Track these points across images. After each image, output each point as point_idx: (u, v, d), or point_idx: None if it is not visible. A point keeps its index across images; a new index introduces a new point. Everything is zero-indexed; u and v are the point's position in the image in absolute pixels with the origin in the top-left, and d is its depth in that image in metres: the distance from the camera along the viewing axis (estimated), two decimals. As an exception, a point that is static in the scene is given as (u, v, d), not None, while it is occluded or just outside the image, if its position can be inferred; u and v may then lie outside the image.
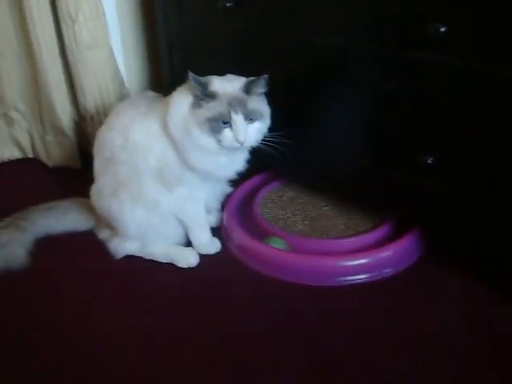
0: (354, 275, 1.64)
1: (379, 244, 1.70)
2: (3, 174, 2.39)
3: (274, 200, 1.98)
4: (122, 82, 2.35)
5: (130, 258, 1.77)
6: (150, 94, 1.85)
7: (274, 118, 1.64)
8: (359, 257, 1.65)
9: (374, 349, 1.41)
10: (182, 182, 1.68)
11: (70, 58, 2.22)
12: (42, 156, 2.44)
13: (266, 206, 1.95)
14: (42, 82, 2.24)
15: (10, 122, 2.42)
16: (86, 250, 1.83)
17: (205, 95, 1.56)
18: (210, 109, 1.55)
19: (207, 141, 1.57)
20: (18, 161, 2.49)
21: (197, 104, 1.57)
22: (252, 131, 1.58)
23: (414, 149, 1.52)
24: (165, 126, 1.62)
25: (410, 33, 1.42)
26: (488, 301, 1.53)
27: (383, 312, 1.54)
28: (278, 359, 1.39)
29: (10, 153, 2.47)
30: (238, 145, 1.56)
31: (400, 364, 1.36)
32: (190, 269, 1.73)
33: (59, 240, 1.86)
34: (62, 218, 1.89)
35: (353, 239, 1.74)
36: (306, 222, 1.84)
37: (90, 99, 2.27)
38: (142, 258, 1.78)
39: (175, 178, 1.67)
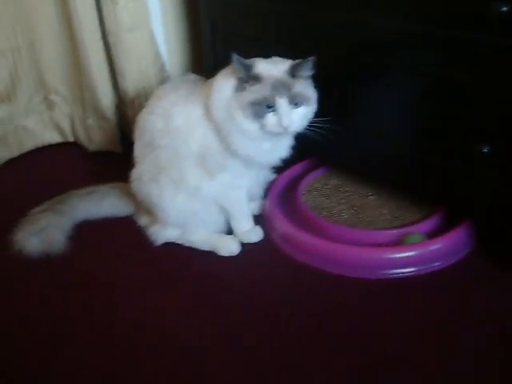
0: (401, 268, 1.57)
1: (428, 236, 1.63)
2: (44, 158, 2.39)
3: (318, 188, 1.92)
4: (162, 65, 2.32)
5: (169, 245, 1.75)
6: (192, 76, 1.80)
7: (320, 102, 1.58)
8: (407, 249, 1.59)
9: (415, 343, 1.36)
10: (225, 169, 1.64)
11: (110, 40, 2.19)
12: (83, 140, 2.42)
13: (310, 194, 1.89)
14: (84, 65, 2.22)
15: (50, 106, 2.41)
16: (125, 236, 1.81)
17: (249, 78, 1.51)
18: (254, 92, 1.50)
19: (250, 125, 1.52)
20: (58, 145, 2.47)
21: (240, 87, 1.52)
22: (297, 116, 1.53)
23: (469, 137, 1.45)
24: (207, 110, 1.59)
25: (470, 13, 1.34)
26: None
27: (430, 307, 1.47)
28: (317, 355, 1.35)
29: (51, 137, 2.46)
30: (282, 130, 1.51)
31: (444, 360, 1.31)
32: (230, 257, 1.69)
33: (98, 225, 1.84)
34: (102, 203, 1.87)
35: (400, 230, 1.67)
36: (352, 211, 1.78)
37: (131, 82, 2.25)
38: (181, 245, 1.74)
39: (217, 164, 1.63)
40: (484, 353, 1.33)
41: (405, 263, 1.57)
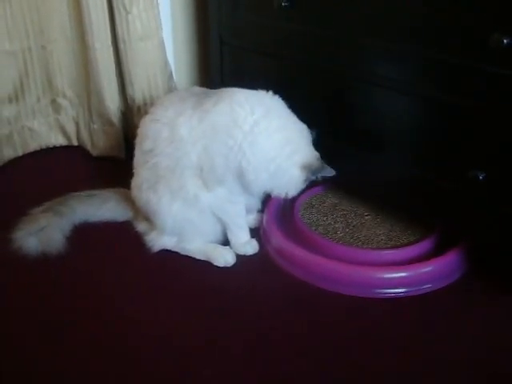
0: (392, 288, 1.59)
1: (420, 258, 1.65)
2: (47, 160, 2.40)
3: (315, 205, 1.94)
4: (170, 75, 2.35)
5: (166, 253, 1.76)
6: (197, 89, 1.82)
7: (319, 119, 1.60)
8: (398, 270, 1.61)
9: (402, 364, 1.37)
10: (223, 184, 1.66)
11: (121, 47, 2.23)
12: (87, 144, 2.44)
13: (307, 210, 1.91)
14: (92, 70, 2.24)
15: (57, 109, 2.43)
16: (122, 241, 1.83)
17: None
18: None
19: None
20: (62, 148, 2.49)
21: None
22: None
23: (465, 163, 1.48)
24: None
25: (473, 43, 1.37)
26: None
27: (417, 328, 1.49)
28: (304, 370, 1.36)
29: (56, 139, 2.48)
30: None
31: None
32: (225, 268, 1.71)
33: (98, 228, 1.86)
34: (102, 207, 1.89)
35: (393, 251, 1.69)
36: (347, 229, 1.80)
37: (138, 90, 2.28)
38: (177, 253, 1.76)
39: (216, 178, 1.65)
40: (470, 377, 1.34)
41: (396, 284, 1.59)
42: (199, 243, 1.75)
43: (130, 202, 1.83)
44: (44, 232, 1.75)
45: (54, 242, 1.74)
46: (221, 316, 1.53)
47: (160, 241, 1.76)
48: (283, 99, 1.64)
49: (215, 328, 1.49)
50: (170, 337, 1.46)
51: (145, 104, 2.30)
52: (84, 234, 1.82)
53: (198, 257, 1.74)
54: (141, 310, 1.56)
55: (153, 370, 1.36)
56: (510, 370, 1.36)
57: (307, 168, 1.62)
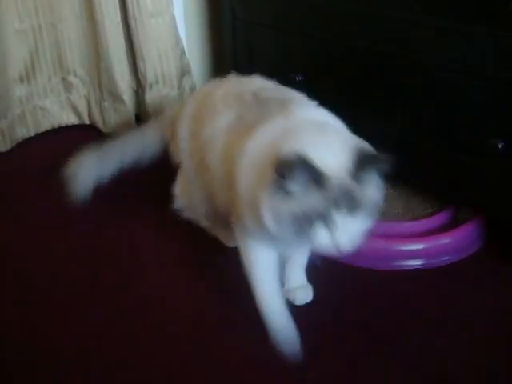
0: (410, 260, 1.59)
1: (438, 230, 1.65)
2: (59, 139, 2.40)
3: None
4: (182, 52, 2.34)
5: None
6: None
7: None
8: (416, 242, 1.61)
9: (421, 335, 1.38)
10: None
11: (132, 24, 2.22)
12: (98, 122, 2.44)
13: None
14: (103, 47, 2.24)
15: (68, 87, 2.42)
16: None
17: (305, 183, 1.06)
18: (302, 202, 1.06)
19: (285, 235, 1.13)
20: (74, 126, 2.49)
21: (282, 189, 1.07)
22: (358, 232, 1.11)
23: (483, 132, 1.47)
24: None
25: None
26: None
27: (435, 300, 1.50)
28: (325, 342, 1.36)
29: (67, 118, 2.48)
30: (335, 252, 1.10)
31: (446, 352, 1.33)
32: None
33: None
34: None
35: (411, 223, 1.69)
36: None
37: (150, 67, 2.27)
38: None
39: None
40: (487, 348, 1.35)
41: (413, 256, 1.60)
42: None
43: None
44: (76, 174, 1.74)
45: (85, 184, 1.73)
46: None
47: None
48: (294, 72, 1.57)
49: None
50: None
51: (157, 82, 2.29)
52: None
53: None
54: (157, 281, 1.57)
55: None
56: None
57: None
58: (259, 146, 1.20)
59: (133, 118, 2.37)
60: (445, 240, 1.61)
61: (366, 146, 1.13)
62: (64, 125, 2.47)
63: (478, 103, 1.47)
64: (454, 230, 1.63)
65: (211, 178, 1.43)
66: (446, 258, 1.60)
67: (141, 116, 2.37)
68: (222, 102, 1.42)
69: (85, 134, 2.43)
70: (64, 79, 2.40)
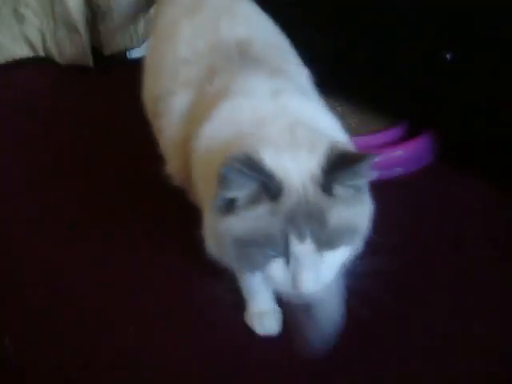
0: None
1: (391, 144, 1.71)
2: (16, 73, 2.36)
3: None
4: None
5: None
6: None
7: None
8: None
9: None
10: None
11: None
12: (54, 54, 2.40)
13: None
14: (55, -25, 2.19)
15: (20, 19, 2.37)
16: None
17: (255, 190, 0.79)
18: (251, 220, 0.80)
19: (237, 267, 0.94)
20: (29, 59, 2.44)
21: (224, 203, 0.80)
22: (327, 269, 0.83)
23: (432, 44, 1.50)
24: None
25: None
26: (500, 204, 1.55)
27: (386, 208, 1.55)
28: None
29: (21, 51, 2.43)
30: (296, 292, 0.82)
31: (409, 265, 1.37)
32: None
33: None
34: None
35: (364, 138, 1.73)
36: (319, 120, 1.83)
37: (104, -4, 2.23)
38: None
39: None
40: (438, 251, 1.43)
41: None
42: None
43: None
44: None
45: None
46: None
47: None
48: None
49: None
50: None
51: (110, 11, 2.25)
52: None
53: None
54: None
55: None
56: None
57: None
58: (218, 131, 0.92)
59: (88, 47, 2.33)
60: (397, 153, 1.68)
61: (348, 148, 0.85)
62: (18, 58, 2.42)
63: (426, 15, 1.50)
64: (405, 142, 1.70)
65: (163, 136, 1.12)
66: (398, 170, 1.67)
67: (96, 46, 2.35)
68: (189, 46, 1.12)
69: (40, 66, 2.40)
70: (15, 11, 2.34)
